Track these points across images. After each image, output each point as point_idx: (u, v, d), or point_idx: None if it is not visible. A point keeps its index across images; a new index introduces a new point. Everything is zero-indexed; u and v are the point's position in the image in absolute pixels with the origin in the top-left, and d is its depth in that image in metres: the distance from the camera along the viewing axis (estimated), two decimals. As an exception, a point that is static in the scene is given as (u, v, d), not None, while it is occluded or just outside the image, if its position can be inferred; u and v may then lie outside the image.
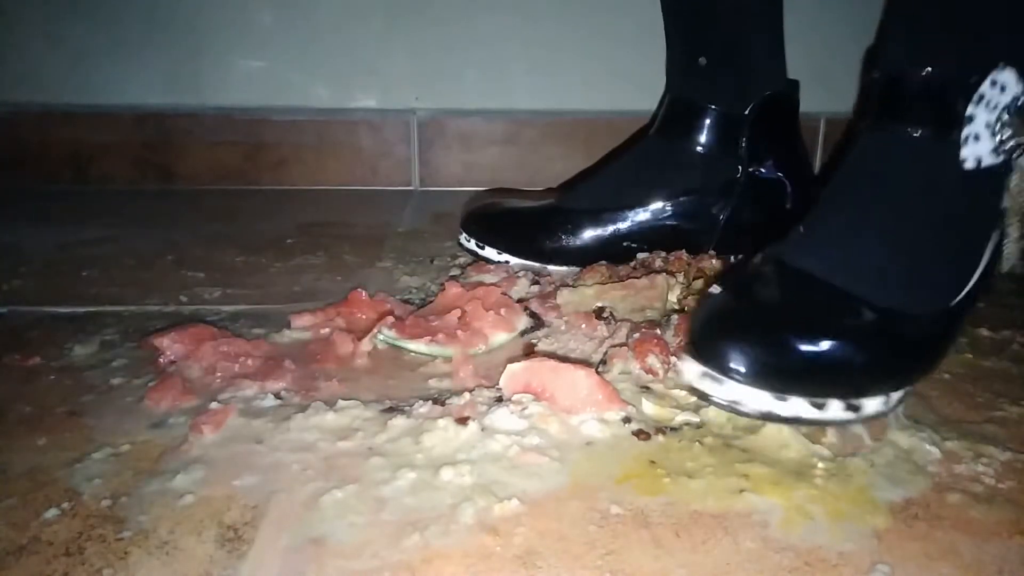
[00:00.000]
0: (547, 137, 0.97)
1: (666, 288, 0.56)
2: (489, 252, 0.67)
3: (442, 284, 0.59)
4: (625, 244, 0.65)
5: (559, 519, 0.35)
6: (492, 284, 0.60)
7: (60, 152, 0.93)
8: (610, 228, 0.65)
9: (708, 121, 0.64)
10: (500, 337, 0.53)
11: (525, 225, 0.68)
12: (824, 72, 0.96)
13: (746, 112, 0.63)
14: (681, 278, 0.59)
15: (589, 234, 0.66)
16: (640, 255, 0.64)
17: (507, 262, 0.67)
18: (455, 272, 0.67)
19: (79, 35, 0.91)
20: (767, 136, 0.64)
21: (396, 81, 0.96)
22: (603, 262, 0.62)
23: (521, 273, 0.63)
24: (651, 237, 0.65)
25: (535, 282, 0.62)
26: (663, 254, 0.63)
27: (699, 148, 0.65)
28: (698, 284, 0.59)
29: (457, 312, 0.53)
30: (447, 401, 0.44)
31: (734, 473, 0.38)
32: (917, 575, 0.32)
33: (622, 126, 0.90)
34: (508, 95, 0.97)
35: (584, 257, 0.64)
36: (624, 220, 0.65)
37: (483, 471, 0.38)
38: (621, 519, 0.35)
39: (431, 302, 0.57)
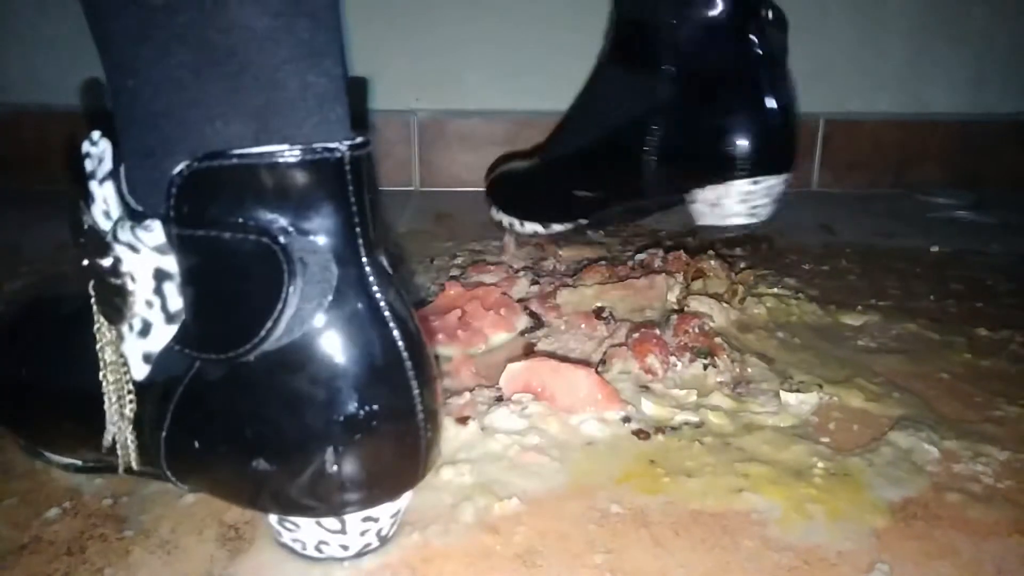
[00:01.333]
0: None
1: (665, 288, 0.56)
2: (510, 220, 0.68)
3: (442, 284, 0.59)
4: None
5: (559, 518, 0.35)
6: (492, 284, 0.60)
7: (60, 152, 0.93)
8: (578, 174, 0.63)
9: (656, 38, 0.57)
10: (500, 337, 0.53)
11: (523, 188, 0.68)
12: (824, 72, 0.96)
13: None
14: (680, 278, 0.59)
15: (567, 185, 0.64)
16: (638, 256, 0.64)
17: (535, 232, 0.66)
18: (455, 272, 0.67)
19: (79, 36, 0.91)
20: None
21: (396, 82, 0.96)
22: (603, 262, 0.62)
23: (521, 273, 0.63)
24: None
25: (535, 282, 0.62)
26: (661, 253, 0.63)
27: (648, 68, 0.57)
28: (697, 284, 0.59)
29: (457, 312, 0.53)
30: (447, 401, 0.44)
31: (733, 472, 0.38)
32: (916, 574, 0.32)
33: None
34: (508, 95, 0.97)
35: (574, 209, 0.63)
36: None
37: (483, 470, 0.38)
38: (621, 518, 0.35)
39: (431, 302, 0.58)
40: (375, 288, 0.29)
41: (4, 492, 0.37)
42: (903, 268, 0.71)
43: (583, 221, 0.69)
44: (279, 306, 0.27)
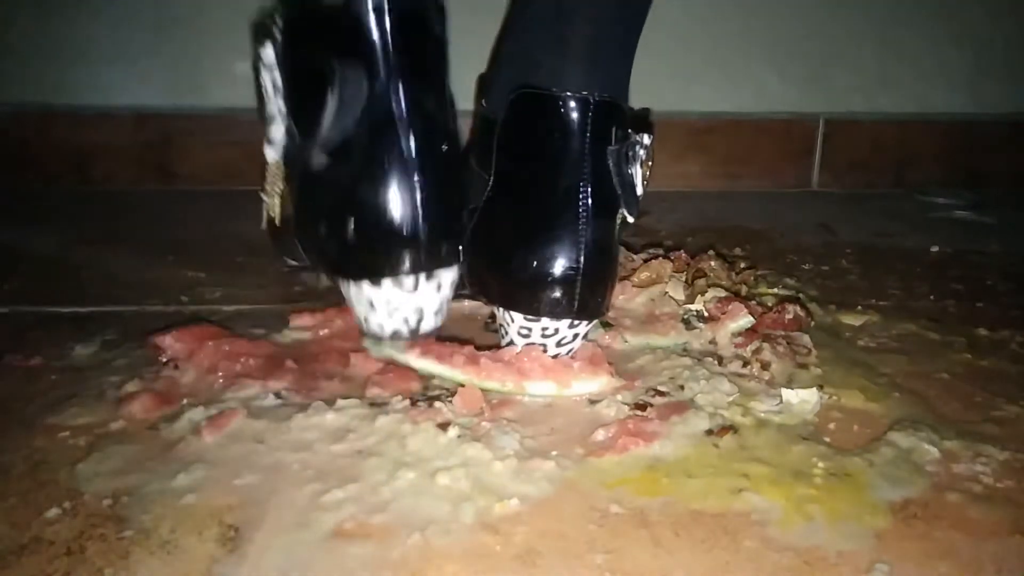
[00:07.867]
0: (547, 137, 0.97)
1: (668, 270, 0.57)
2: None
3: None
4: None
5: (559, 518, 0.35)
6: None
7: (61, 152, 0.93)
8: None
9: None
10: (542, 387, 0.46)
11: None
12: (823, 73, 0.96)
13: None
14: (682, 278, 0.59)
15: None
16: (639, 255, 0.64)
17: None
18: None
19: (80, 35, 0.91)
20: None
21: (396, 81, 0.96)
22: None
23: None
24: None
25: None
26: (661, 254, 0.63)
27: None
28: (701, 283, 0.59)
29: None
30: (450, 400, 0.44)
31: (733, 473, 0.39)
32: (916, 574, 0.32)
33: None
34: (508, 95, 0.97)
35: None
36: None
37: (482, 472, 0.38)
38: (621, 518, 0.35)
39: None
40: (393, 104, 0.45)
41: (4, 492, 0.37)
42: (903, 268, 0.72)
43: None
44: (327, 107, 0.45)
